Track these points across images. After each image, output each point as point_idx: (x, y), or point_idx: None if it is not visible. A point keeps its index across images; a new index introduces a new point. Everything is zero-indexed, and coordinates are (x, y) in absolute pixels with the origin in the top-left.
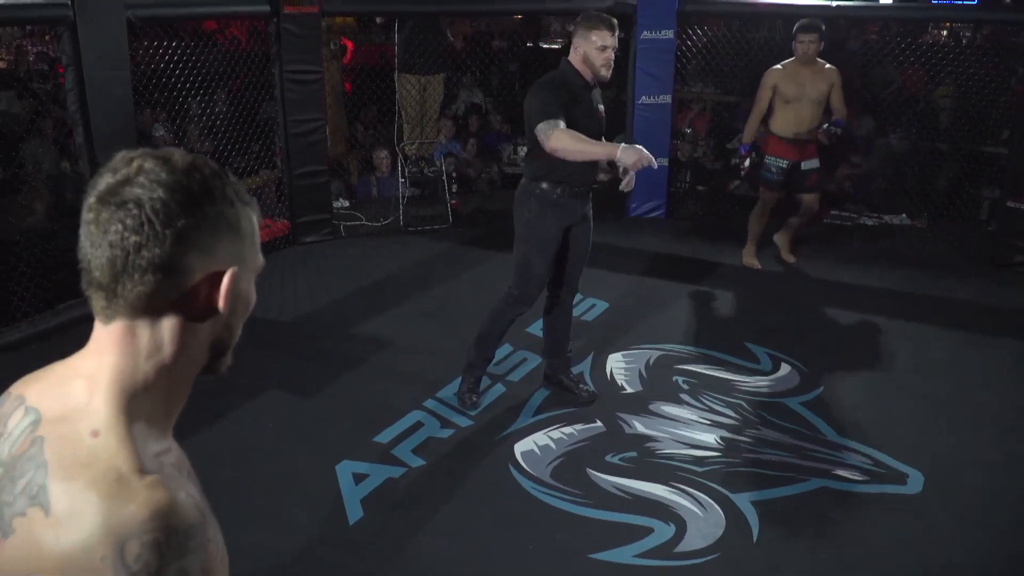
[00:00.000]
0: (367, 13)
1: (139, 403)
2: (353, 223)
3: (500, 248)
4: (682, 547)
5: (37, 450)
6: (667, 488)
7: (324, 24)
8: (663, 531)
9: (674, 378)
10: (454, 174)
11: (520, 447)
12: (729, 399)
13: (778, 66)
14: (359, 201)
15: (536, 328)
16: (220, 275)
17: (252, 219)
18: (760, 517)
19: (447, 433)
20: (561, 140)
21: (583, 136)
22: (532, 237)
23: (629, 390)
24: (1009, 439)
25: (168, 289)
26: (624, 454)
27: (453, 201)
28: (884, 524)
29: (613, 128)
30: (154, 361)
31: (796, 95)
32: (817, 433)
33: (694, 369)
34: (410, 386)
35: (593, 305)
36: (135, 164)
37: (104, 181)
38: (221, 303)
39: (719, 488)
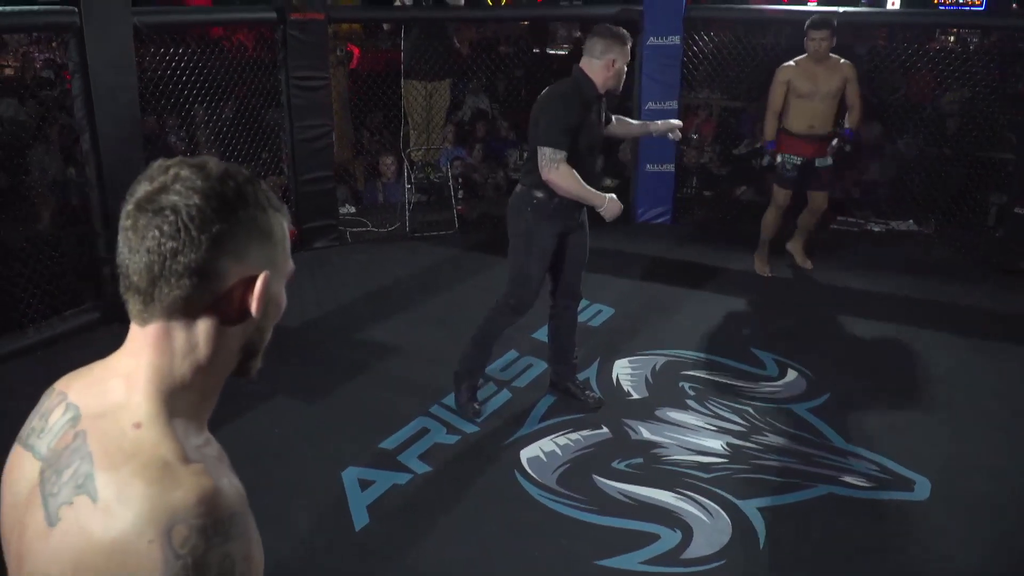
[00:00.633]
0: (373, 20)
1: (176, 400)
2: (359, 229)
3: (506, 254)
4: (689, 554)
5: (80, 442)
6: (673, 494)
7: (330, 31)
8: (670, 538)
9: (680, 384)
10: (460, 180)
11: (526, 453)
12: (736, 405)
13: (791, 62)
14: (365, 207)
15: (541, 334)
16: (253, 279)
17: (283, 225)
18: (767, 524)
19: (453, 439)
20: (562, 179)
21: (580, 180)
22: (529, 245)
23: (635, 396)
24: (1017, 446)
25: (203, 293)
26: (630, 460)
27: (459, 207)
28: (891, 531)
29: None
30: (189, 361)
31: (809, 91)
32: (824, 439)
33: (700, 375)
34: (416, 392)
35: (599, 311)
36: (171, 172)
37: (142, 189)
38: (254, 307)
39: (726, 495)
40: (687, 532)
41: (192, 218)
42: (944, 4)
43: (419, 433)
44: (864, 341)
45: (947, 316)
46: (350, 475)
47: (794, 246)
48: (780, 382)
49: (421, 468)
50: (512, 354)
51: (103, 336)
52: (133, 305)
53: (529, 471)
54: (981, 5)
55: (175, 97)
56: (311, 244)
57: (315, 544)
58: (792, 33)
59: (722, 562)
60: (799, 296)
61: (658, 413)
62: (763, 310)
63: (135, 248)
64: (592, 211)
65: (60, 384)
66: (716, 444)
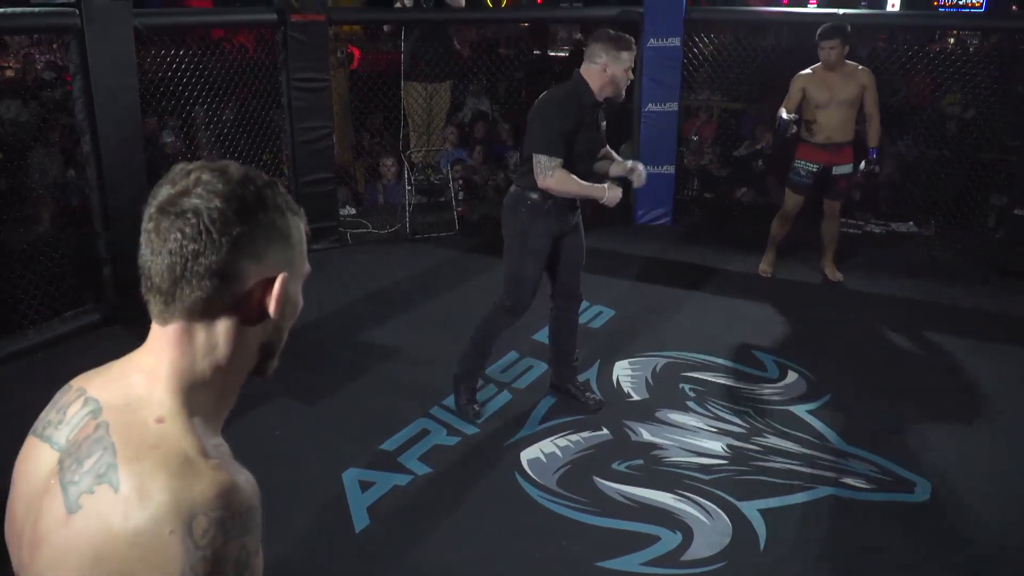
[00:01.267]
0: (374, 21)
1: (196, 397)
2: (360, 230)
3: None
4: (689, 555)
5: (103, 433)
6: (674, 496)
7: (331, 32)
8: (670, 539)
9: (681, 385)
10: (460, 181)
11: (526, 455)
12: (736, 407)
13: (807, 71)
14: (366, 208)
15: (542, 335)
16: (271, 281)
17: (301, 227)
18: (767, 525)
19: (453, 441)
20: (558, 184)
21: (576, 181)
22: (524, 246)
23: (636, 397)
24: (1018, 447)
25: (223, 294)
26: (631, 462)
27: (459, 208)
28: (892, 533)
29: (618, 136)
30: (209, 361)
31: (825, 100)
32: (824, 441)
33: (701, 376)
34: (416, 394)
35: (599, 312)
36: (193, 176)
37: (164, 192)
38: (272, 308)
39: (726, 496)
40: (687, 533)
41: (213, 221)
42: (944, 6)
43: (419, 434)
44: (864, 343)
45: (947, 318)
46: (350, 476)
47: (825, 262)
48: (780, 383)
49: (421, 469)
50: (512, 355)
51: (104, 338)
52: (154, 305)
53: (529, 472)
54: (981, 7)
55: (176, 99)
56: (311, 245)
57: (315, 545)
58: (792, 35)
59: (722, 564)
60: (800, 298)
61: (658, 414)
62: (763, 312)
63: (157, 250)
64: (588, 212)
65: (77, 381)
66: (716, 446)
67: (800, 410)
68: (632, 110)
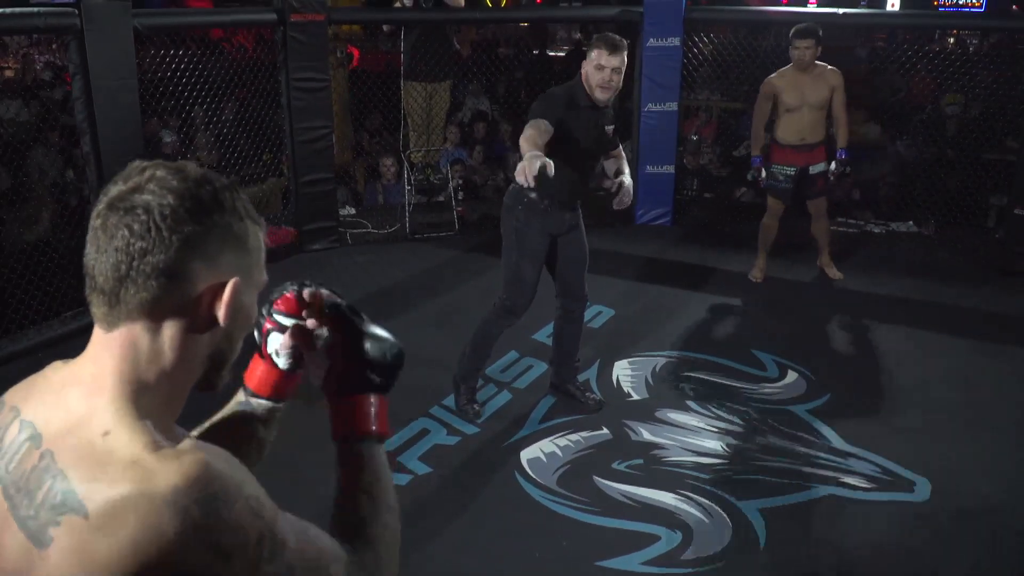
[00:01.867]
0: (373, 21)
1: (142, 402)
2: (359, 230)
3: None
4: (689, 554)
5: (49, 461)
6: (674, 495)
7: (330, 32)
8: (670, 538)
9: (680, 385)
10: (460, 181)
11: (526, 454)
12: (736, 406)
13: (775, 75)
14: (365, 208)
15: (542, 335)
16: (223, 286)
17: (259, 236)
18: (767, 525)
19: (453, 440)
20: (524, 133)
21: (532, 139)
22: (521, 245)
23: (635, 397)
24: (1018, 447)
25: (171, 296)
26: (631, 461)
27: (459, 208)
28: (891, 532)
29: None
30: (155, 367)
31: (797, 102)
32: (824, 440)
33: (701, 376)
34: (416, 393)
35: (599, 312)
36: (147, 173)
37: (116, 188)
38: (222, 314)
39: (726, 496)
40: (687, 533)
41: (164, 217)
42: (944, 6)
43: (419, 434)
44: (864, 342)
45: (947, 317)
46: None
47: (822, 261)
48: (780, 383)
49: (421, 469)
50: (512, 355)
51: None
52: (97, 308)
53: (529, 472)
54: (981, 7)
55: (176, 99)
56: (311, 246)
57: None
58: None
59: (722, 563)
60: (799, 297)
61: (658, 414)
62: (763, 311)
63: (103, 248)
64: (602, 212)
65: (10, 397)
66: (716, 445)
67: (800, 410)
68: (632, 110)
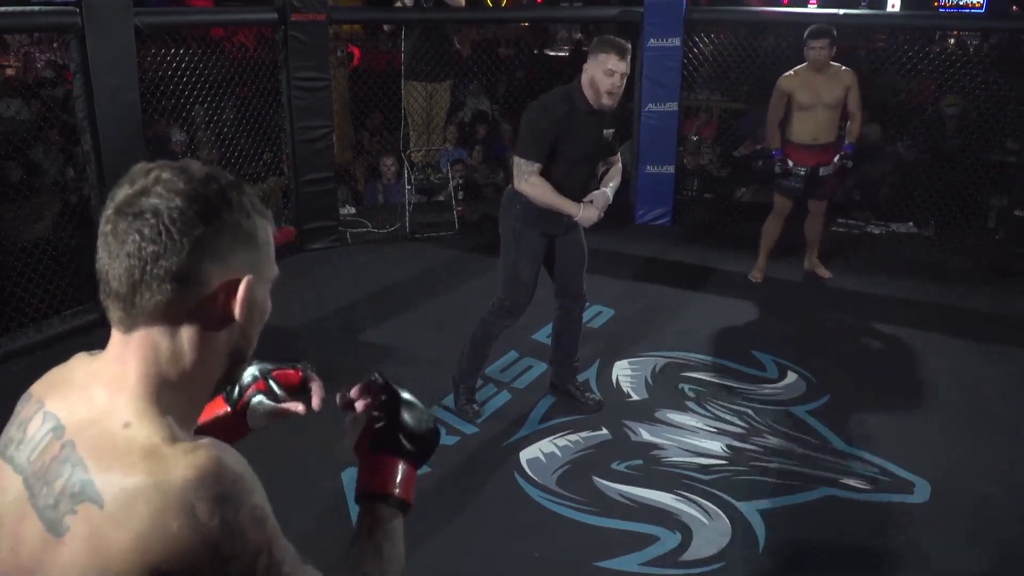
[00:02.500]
0: (374, 21)
1: (164, 398)
2: (359, 230)
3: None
4: (688, 555)
5: (70, 451)
6: (673, 496)
7: (331, 31)
8: (669, 539)
9: (680, 386)
10: (460, 181)
11: (526, 455)
12: (735, 407)
13: (791, 72)
14: (365, 208)
15: (541, 335)
16: (236, 283)
17: (268, 230)
18: (766, 526)
19: (452, 440)
20: (531, 189)
21: (551, 191)
22: (518, 245)
23: (635, 397)
24: (1017, 448)
25: (185, 298)
26: (630, 462)
27: (459, 208)
28: (891, 533)
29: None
30: (176, 367)
31: (811, 102)
32: (824, 441)
33: (700, 377)
34: (416, 393)
35: (599, 312)
36: (152, 175)
37: (122, 192)
38: (237, 311)
39: (725, 496)
40: (687, 534)
41: (174, 221)
42: (944, 7)
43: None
44: (864, 343)
45: (947, 318)
46: (350, 476)
47: (810, 261)
48: (780, 384)
49: (421, 469)
50: (512, 355)
51: (103, 336)
52: (114, 312)
53: (529, 472)
54: (981, 7)
55: (176, 98)
56: (311, 245)
57: (314, 545)
58: (792, 35)
59: (722, 564)
60: (799, 298)
61: (658, 415)
62: (763, 312)
63: (115, 253)
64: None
65: (36, 390)
66: (716, 446)
67: (799, 410)
68: (632, 110)
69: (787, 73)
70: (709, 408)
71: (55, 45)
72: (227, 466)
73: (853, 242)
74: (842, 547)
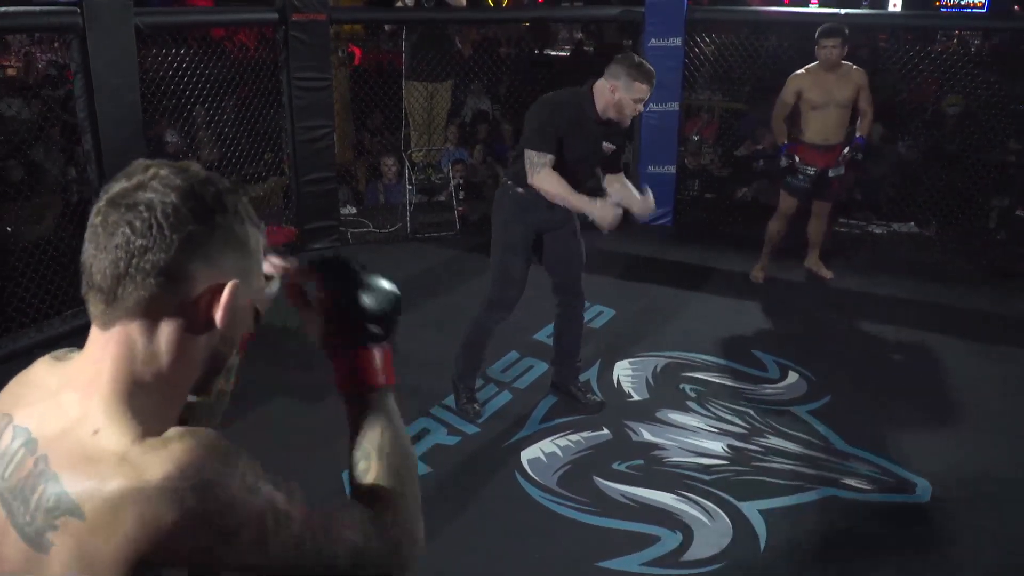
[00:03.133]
0: (375, 20)
1: (137, 402)
2: (360, 230)
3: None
4: (689, 556)
5: (43, 466)
6: (674, 496)
7: (332, 31)
8: (670, 539)
9: (681, 386)
10: (461, 181)
11: (527, 455)
12: (736, 407)
13: (802, 71)
14: (366, 208)
15: (542, 335)
16: (222, 288)
17: (259, 240)
18: (768, 526)
19: (454, 440)
20: (545, 182)
21: (565, 185)
22: (508, 239)
23: (636, 398)
24: (1018, 448)
25: (169, 295)
26: (631, 462)
27: (460, 208)
28: (892, 533)
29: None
30: (150, 368)
31: (823, 101)
32: (825, 442)
33: (701, 377)
34: (416, 393)
35: (600, 312)
36: (151, 171)
37: (118, 186)
38: (219, 316)
39: (726, 496)
40: (688, 534)
41: (167, 216)
42: (946, 6)
43: (420, 434)
44: (865, 343)
45: (948, 318)
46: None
47: (811, 261)
48: (781, 384)
49: (421, 469)
50: (513, 355)
51: None
52: (95, 306)
53: (530, 472)
54: (983, 7)
55: (177, 98)
56: (312, 245)
57: None
58: (794, 35)
59: (723, 564)
60: (800, 298)
61: (659, 415)
62: (764, 312)
63: (102, 245)
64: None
65: (1, 404)
66: (717, 446)
67: (801, 411)
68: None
69: (798, 72)
70: (710, 408)
71: (56, 45)
72: (204, 451)
73: (854, 242)
74: (843, 547)
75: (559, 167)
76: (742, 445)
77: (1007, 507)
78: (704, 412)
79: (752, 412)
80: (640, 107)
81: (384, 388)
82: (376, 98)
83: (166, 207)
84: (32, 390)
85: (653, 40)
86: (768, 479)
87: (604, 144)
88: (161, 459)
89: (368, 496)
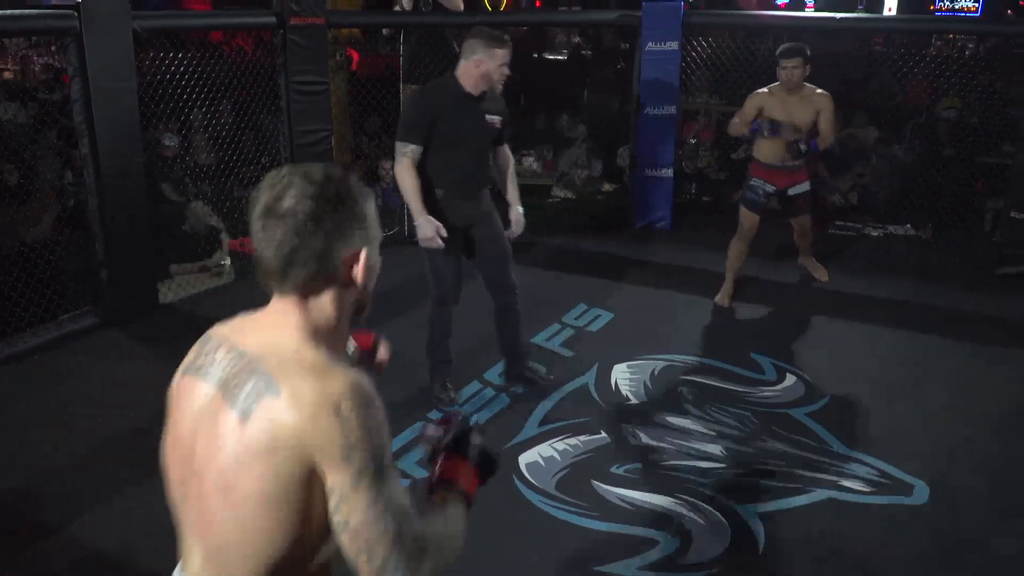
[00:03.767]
0: (373, 25)
1: (319, 339)
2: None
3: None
4: (688, 559)
5: (254, 367)
6: (672, 500)
7: (330, 35)
8: (668, 543)
9: (679, 389)
10: None
11: (525, 459)
12: (734, 410)
13: (764, 89)
14: None
15: (540, 339)
16: (357, 255)
17: (372, 205)
18: (766, 529)
19: None
20: (399, 175)
21: (412, 186)
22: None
23: (634, 401)
24: (1014, 449)
25: (323, 272)
26: (629, 465)
27: None
28: (890, 535)
29: (618, 139)
30: (321, 317)
31: (781, 122)
32: (823, 444)
33: (699, 380)
34: (413, 397)
35: (598, 315)
36: (284, 181)
37: (263, 197)
38: (360, 276)
39: (724, 500)
40: (686, 538)
41: (308, 219)
42: (940, 10)
43: (417, 438)
44: (862, 345)
45: (945, 320)
46: None
47: (805, 260)
48: (779, 386)
49: (420, 473)
50: None
51: (100, 340)
52: (271, 285)
53: (528, 476)
54: (977, 11)
55: (175, 101)
56: None
57: None
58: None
59: (721, 567)
60: (797, 300)
61: (657, 418)
62: (761, 314)
63: (267, 246)
64: (601, 217)
65: (216, 333)
66: (715, 449)
67: (798, 413)
68: (630, 113)
69: (760, 90)
70: (708, 411)
71: (53, 48)
72: (364, 386)
73: (851, 244)
74: (841, 550)
75: (440, 153)
76: (740, 448)
77: (1003, 508)
78: (702, 415)
79: (750, 415)
80: (505, 70)
81: (462, 491)
82: (374, 102)
83: (306, 212)
84: (237, 329)
85: (650, 44)
86: (766, 482)
87: (488, 118)
88: (341, 377)
89: (423, 528)
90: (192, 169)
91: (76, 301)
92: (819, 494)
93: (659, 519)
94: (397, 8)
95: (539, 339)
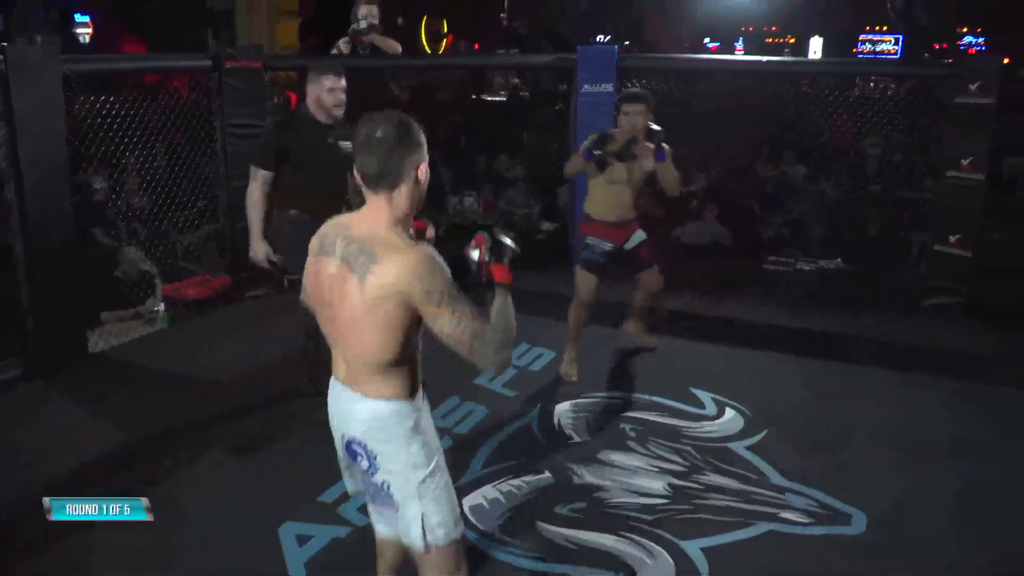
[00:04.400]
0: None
1: (399, 225)
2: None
3: None
4: None
5: (365, 245)
6: (616, 538)
7: (268, 78)
8: None
9: (622, 426)
10: None
11: (469, 501)
12: (676, 445)
13: (606, 133)
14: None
15: (483, 379)
16: (421, 165)
17: (422, 134)
18: (709, 563)
19: None
20: (248, 197)
21: (255, 210)
22: (295, 264)
23: (577, 439)
24: (950, 475)
25: (402, 178)
26: (573, 505)
27: None
28: (831, 565)
29: (555, 182)
30: (401, 208)
31: (619, 176)
32: (763, 476)
33: (641, 416)
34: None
35: (540, 355)
36: (377, 118)
37: (363, 131)
38: (422, 179)
39: (668, 535)
40: (630, 575)
41: (392, 143)
42: (863, 53)
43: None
44: (798, 378)
45: (877, 351)
46: (287, 531)
47: (632, 327)
48: (719, 421)
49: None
50: (454, 400)
51: (25, 393)
52: (369, 187)
53: (472, 520)
54: (896, 54)
55: (107, 144)
56: (249, 292)
57: None
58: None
59: None
60: (734, 335)
61: (600, 456)
62: (700, 349)
63: (368, 162)
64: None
65: (328, 230)
66: (658, 485)
67: (738, 446)
68: (567, 153)
69: (593, 136)
70: (650, 447)
71: None
72: (435, 258)
73: (784, 279)
74: None
75: (290, 173)
76: (682, 483)
77: (939, 534)
78: (644, 451)
79: (691, 449)
80: (338, 94)
81: (506, 285)
82: None
83: (391, 139)
84: (344, 225)
85: (586, 86)
86: (708, 516)
87: (341, 144)
88: (417, 252)
89: (487, 321)
90: (125, 213)
91: (0, 351)
92: (760, 527)
93: (604, 558)
94: (335, 52)
95: (482, 380)
